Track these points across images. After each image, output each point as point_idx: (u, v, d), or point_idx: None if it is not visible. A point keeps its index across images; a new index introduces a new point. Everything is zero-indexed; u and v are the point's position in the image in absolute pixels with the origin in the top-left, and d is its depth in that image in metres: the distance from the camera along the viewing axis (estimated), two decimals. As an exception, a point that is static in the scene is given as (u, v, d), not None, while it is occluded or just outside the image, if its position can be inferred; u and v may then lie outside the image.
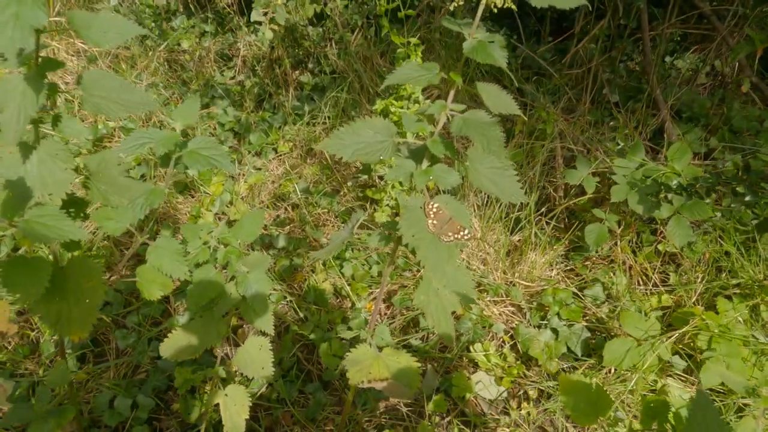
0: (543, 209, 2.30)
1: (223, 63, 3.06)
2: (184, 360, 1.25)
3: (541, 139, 2.42)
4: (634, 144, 2.16)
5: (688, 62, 2.93)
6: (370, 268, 2.07)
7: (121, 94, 1.00)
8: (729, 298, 1.91)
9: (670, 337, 1.79)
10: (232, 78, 2.96)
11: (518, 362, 1.84)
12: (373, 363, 1.20)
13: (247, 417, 1.27)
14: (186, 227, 1.22)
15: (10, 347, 1.72)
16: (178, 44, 3.03)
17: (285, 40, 2.90)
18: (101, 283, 1.09)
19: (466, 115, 1.05)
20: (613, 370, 1.79)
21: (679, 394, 1.70)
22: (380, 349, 1.26)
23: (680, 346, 1.82)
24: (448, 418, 1.71)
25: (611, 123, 2.64)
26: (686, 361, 1.81)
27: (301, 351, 1.83)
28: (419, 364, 1.23)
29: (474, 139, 1.01)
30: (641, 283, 2.11)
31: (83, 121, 2.57)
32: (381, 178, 2.33)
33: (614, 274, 2.08)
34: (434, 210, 1.07)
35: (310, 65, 2.93)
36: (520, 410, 1.71)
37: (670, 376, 1.80)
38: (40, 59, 0.90)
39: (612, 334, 1.90)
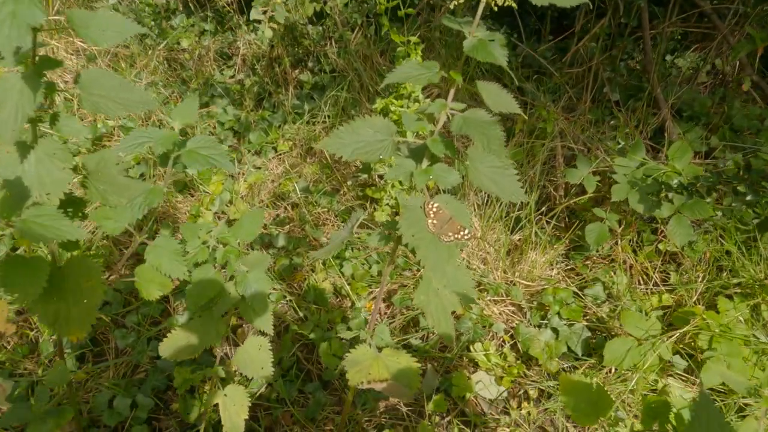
0: (543, 208, 2.30)
1: (223, 62, 3.05)
2: (184, 360, 1.24)
3: (542, 138, 2.42)
4: (634, 143, 2.16)
5: (688, 61, 2.92)
6: (369, 268, 2.06)
7: (120, 93, 1.00)
8: (730, 297, 1.90)
9: (670, 337, 1.79)
10: (232, 77, 2.95)
11: (518, 362, 1.83)
12: (372, 364, 1.19)
13: (247, 417, 1.27)
14: (185, 227, 1.22)
15: (9, 347, 1.72)
16: (178, 43, 3.02)
17: (285, 39, 2.90)
18: (100, 283, 1.08)
19: (467, 114, 1.05)
20: (613, 370, 1.79)
21: (679, 393, 1.70)
22: (380, 349, 1.25)
23: (681, 345, 1.81)
24: (448, 418, 1.70)
25: (612, 122, 2.64)
26: (687, 360, 1.81)
27: (300, 350, 1.83)
28: (419, 365, 1.23)
29: (474, 138, 1.00)
30: (642, 282, 2.10)
31: (82, 119, 2.56)
32: (381, 177, 2.33)
33: (615, 273, 2.08)
34: (434, 210, 1.06)
35: (309, 64, 2.92)
36: (521, 410, 1.71)
37: (671, 375, 1.80)
38: (37, 58, 0.90)
39: (612, 333, 1.90)
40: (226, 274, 1.23)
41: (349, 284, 2.00)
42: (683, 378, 1.80)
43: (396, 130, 1.09)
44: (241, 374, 1.65)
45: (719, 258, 2.03)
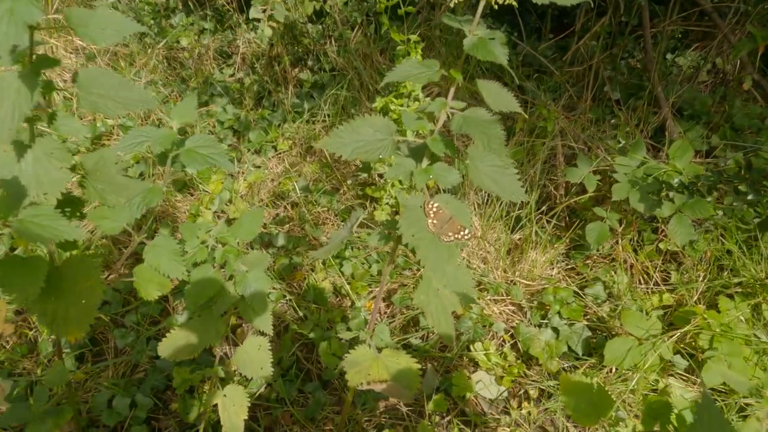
0: (544, 207, 2.29)
1: (223, 60, 3.04)
2: (183, 359, 1.24)
3: (542, 137, 2.41)
4: (635, 142, 2.15)
5: (689, 59, 2.91)
6: (369, 267, 2.06)
7: (119, 92, 0.99)
8: (731, 297, 1.90)
9: (671, 337, 1.78)
10: (232, 75, 2.94)
11: (519, 361, 1.83)
12: (372, 364, 1.19)
13: (246, 417, 1.26)
14: (184, 226, 1.21)
15: (8, 346, 1.71)
16: (177, 42, 3.01)
17: (284, 38, 2.89)
18: (98, 283, 1.08)
19: (467, 112, 1.04)
20: (614, 370, 1.78)
21: (680, 393, 1.69)
22: (379, 349, 1.25)
23: (682, 345, 1.81)
24: (448, 418, 1.70)
25: (612, 121, 2.63)
26: (688, 360, 1.80)
27: (300, 350, 1.83)
28: (419, 365, 1.22)
29: (474, 137, 1.00)
30: (642, 281, 2.10)
31: (82, 118, 2.55)
32: (381, 176, 2.32)
33: (615, 272, 2.07)
34: (434, 209, 1.06)
35: (309, 63, 2.92)
36: (521, 410, 1.70)
37: (672, 375, 1.80)
38: (35, 56, 0.89)
39: (613, 333, 1.89)
40: (225, 273, 1.22)
41: (348, 283, 2.00)
42: (684, 378, 1.79)
43: (396, 129, 1.09)
44: (240, 374, 1.64)
45: (720, 257, 2.03)
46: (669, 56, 2.95)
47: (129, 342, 1.76)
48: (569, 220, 2.30)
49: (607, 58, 2.81)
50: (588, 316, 1.97)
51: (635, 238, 2.16)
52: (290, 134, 2.63)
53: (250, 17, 2.64)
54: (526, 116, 2.36)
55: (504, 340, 1.90)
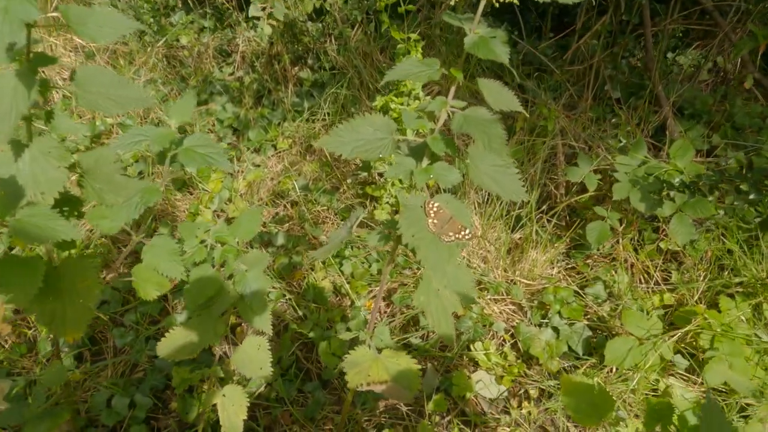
0: (544, 207, 2.28)
1: (222, 59, 3.03)
2: (182, 359, 1.23)
3: (543, 136, 2.41)
4: (636, 141, 2.15)
5: (690, 58, 2.90)
6: (369, 266, 2.05)
7: (116, 90, 0.99)
8: (731, 296, 1.89)
9: (672, 336, 1.78)
10: (231, 74, 2.93)
11: (519, 361, 1.82)
12: (372, 365, 1.18)
13: (245, 417, 1.26)
14: (183, 225, 1.21)
15: (7, 346, 1.71)
16: (177, 40, 3.00)
17: (284, 36, 2.88)
18: (96, 283, 1.07)
19: (467, 111, 1.03)
20: (614, 370, 1.78)
21: (681, 393, 1.69)
22: (379, 350, 1.24)
23: (682, 345, 1.80)
24: (448, 418, 1.69)
25: (613, 120, 2.62)
26: (688, 360, 1.80)
27: (300, 349, 1.82)
28: (419, 366, 1.22)
29: (475, 137, 0.99)
30: (643, 281, 2.09)
31: (81, 117, 2.55)
32: (381, 175, 2.31)
33: (616, 272, 2.07)
34: (435, 209, 1.05)
35: (309, 61, 2.91)
36: (521, 409, 1.70)
37: (672, 375, 1.79)
38: (32, 55, 0.88)
39: (613, 332, 1.89)
40: (224, 272, 1.21)
41: (348, 283, 1.99)
42: (685, 378, 1.79)
43: (396, 128, 1.08)
44: (239, 374, 1.64)
45: (721, 257, 2.02)
46: (670, 55, 2.94)
47: (128, 341, 1.75)
48: (570, 220, 2.29)
49: (607, 57, 2.80)
50: (588, 316, 1.96)
51: (636, 238, 2.16)
52: (290, 133, 2.62)
53: (250, 15, 2.63)
54: (527, 115, 2.36)
55: (504, 340, 1.89)
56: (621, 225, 2.13)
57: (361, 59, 2.76)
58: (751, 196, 1.94)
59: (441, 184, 1.06)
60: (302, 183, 2.37)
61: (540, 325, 1.92)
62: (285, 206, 2.33)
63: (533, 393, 1.73)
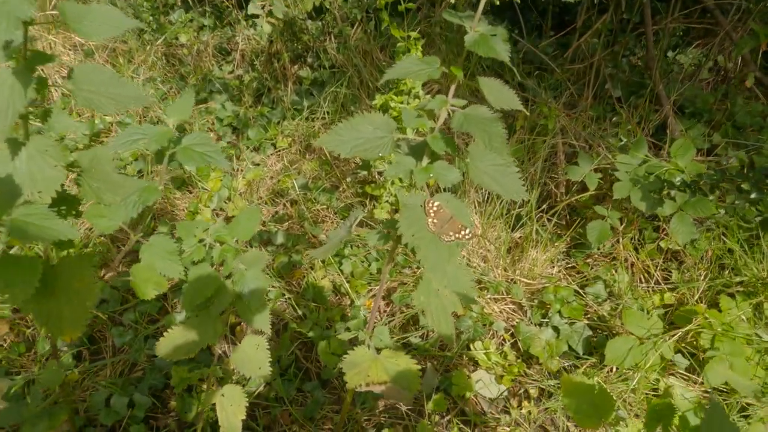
0: (544, 206, 2.28)
1: (222, 57, 3.03)
2: (181, 358, 1.23)
3: (543, 134, 2.40)
4: (636, 140, 2.14)
5: (691, 57, 2.90)
6: (369, 266, 2.04)
7: (114, 89, 0.98)
8: (732, 296, 1.89)
9: (672, 336, 1.77)
10: (231, 72, 2.93)
11: (519, 360, 1.82)
12: (371, 366, 1.18)
13: (244, 417, 1.25)
14: (181, 225, 1.20)
15: (5, 344, 1.70)
16: (176, 38, 3.00)
17: (284, 34, 2.87)
18: (93, 283, 1.06)
19: (468, 110, 1.03)
20: (614, 369, 1.77)
21: (681, 393, 1.68)
22: (379, 350, 1.23)
23: (683, 344, 1.80)
24: (447, 417, 1.69)
25: (613, 119, 2.62)
26: (689, 359, 1.79)
27: (299, 349, 1.81)
28: (419, 367, 1.21)
29: (475, 135, 0.99)
30: (643, 280, 2.09)
31: (80, 115, 2.54)
32: (380, 174, 2.31)
33: (616, 271, 2.06)
34: (434, 208, 1.04)
35: (309, 59, 2.90)
36: (521, 409, 1.69)
37: (673, 375, 1.79)
38: (29, 52, 0.88)
39: (614, 332, 1.88)
40: (223, 272, 1.21)
41: (348, 282, 1.99)
42: (685, 377, 1.78)
43: (396, 127, 1.08)
44: (239, 373, 1.63)
45: (721, 256, 2.02)
46: (670, 54, 2.93)
47: (127, 340, 1.75)
48: (570, 219, 2.29)
49: (608, 56, 2.79)
50: (589, 315, 1.96)
51: (636, 237, 2.15)
52: (289, 132, 2.62)
53: (249, 13, 2.62)
54: (528, 114, 2.35)
55: (504, 339, 1.89)
56: (621, 224, 2.13)
57: (361, 58, 2.75)
58: (752, 195, 1.94)
59: (441, 183, 1.06)
60: (302, 182, 2.36)
61: (540, 325, 1.91)
62: (284, 205, 2.32)
63: (533, 392, 1.73)
